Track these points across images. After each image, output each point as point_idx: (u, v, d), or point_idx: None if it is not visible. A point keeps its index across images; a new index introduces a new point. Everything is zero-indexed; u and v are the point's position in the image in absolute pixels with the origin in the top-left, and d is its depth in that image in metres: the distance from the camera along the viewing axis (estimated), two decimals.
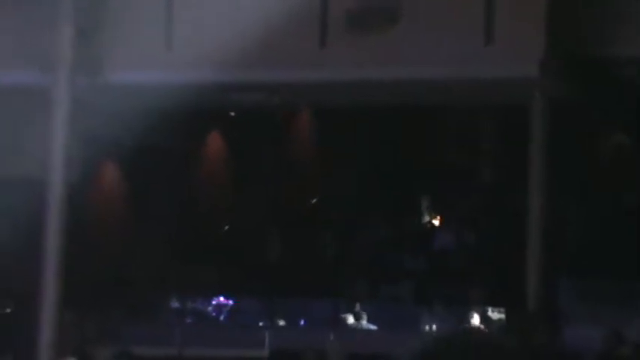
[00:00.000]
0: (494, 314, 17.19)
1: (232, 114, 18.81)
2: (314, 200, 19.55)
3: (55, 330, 15.62)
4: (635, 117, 17.13)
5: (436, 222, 19.41)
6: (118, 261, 18.50)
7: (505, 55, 15.32)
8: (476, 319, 16.73)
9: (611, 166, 18.09)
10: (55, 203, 15.91)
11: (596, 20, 15.65)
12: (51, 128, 16.05)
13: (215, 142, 19.48)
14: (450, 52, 15.39)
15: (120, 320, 16.92)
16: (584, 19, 15.67)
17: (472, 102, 17.27)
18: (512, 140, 17.41)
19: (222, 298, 18.19)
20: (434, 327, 16.94)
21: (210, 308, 18.21)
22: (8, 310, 17.05)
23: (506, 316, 16.91)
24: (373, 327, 17.03)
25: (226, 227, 19.51)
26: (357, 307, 17.41)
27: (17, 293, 16.45)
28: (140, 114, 16.24)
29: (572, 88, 15.87)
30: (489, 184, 19.27)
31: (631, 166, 17.92)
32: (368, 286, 18.42)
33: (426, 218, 19.49)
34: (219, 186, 19.35)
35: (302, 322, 17.74)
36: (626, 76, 15.91)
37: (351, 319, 17.15)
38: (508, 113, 17.31)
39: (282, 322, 17.55)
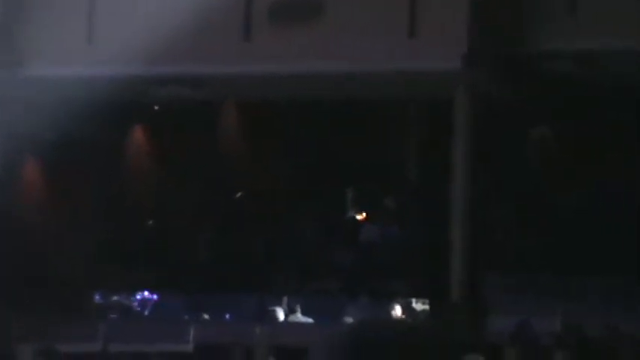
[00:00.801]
0: (419, 305, 17.30)
1: (156, 108, 18.69)
2: (240, 194, 19.49)
3: None
4: (558, 111, 17.32)
5: (362, 216, 19.46)
6: (43, 257, 18.29)
7: (429, 48, 15.41)
8: (398, 311, 16.81)
9: (536, 159, 18.27)
10: None
11: (519, 14, 15.81)
12: None
13: (139, 136, 19.33)
14: (374, 44, 15.45)
15: (44, 317, 16.74)
16: (507, 13, 15.81)
17: (397, 95, 17.34)
18: (437, 134, 17.51)
19: (146, 293, 18.06)
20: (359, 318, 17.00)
21: (134, 303, 18.07)
22: None
23: (430, 307, 17.03)
24: (309, 320, 17.05)
25: (150, 222, 19.38)
26: (285, 300, 17.40)
27: None
28: (62, 108, 16.10)
29: (495, 82, 16.01)
30: (415, 177, 19.37)
31: (555, 159, 18.11)
32: (295, 279, 18.42)
33: (353, 212, 19.54)
34: (144, 180, 19.20)
35: (227, 317, 17.69)
36: (549, 70, 16.10)
37: (280, 313, 17.14)
38: (433, 107, 17.40)
39: (207, 317, 17.47)
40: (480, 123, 16.22)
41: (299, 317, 17.01)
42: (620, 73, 16.07)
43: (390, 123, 18.74)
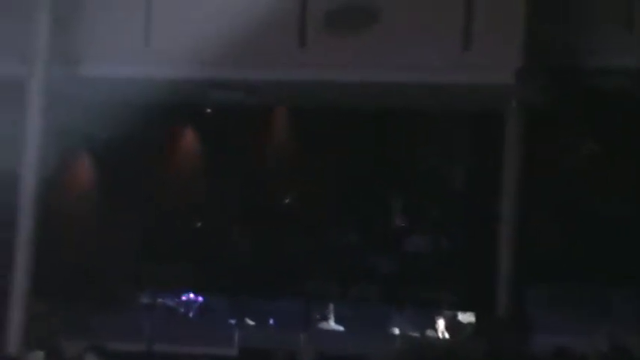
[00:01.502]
0: (464, 318, 17.25)
1: (209, 111, 18.77)
2: (287, 200, 19.54)
3: (25, 322, 15.56)
4: (609, 126, 17.25)
5: (409, 225, 19.45)
6: (89, 254, 18.42)
7: (482, 61, 15.39)
8: (441, 324, 16.79)
9: (584, 174, 18.21)
10: (28, 195, 15.84)
11: (572, 30, 15.75)
12: (26, 120, 15.97)
13: (190, 138, 19.43)
14: (429, 55, 15.44)
15: (89, 314, 16.86)
16: (561, 28, 15.76)
17: (448, 107, 17.33)
18: (486, 147, 17.49)
19: (191, 295, 18.14)
20: (403, 329, 16.97)
21: (179, 304, 18.15)
22: None
23: (476, 320, 16.97)
24: (340, 328, 17.05)
25: (198, 224, 19.47)
26: (329, 307, 17.42)
27: None
28: (116, 107, 16.20)
29: (547, 97, 15.96)
30: (463, 189, 19.34)
31: (603, 175, 18.04)
32: (339, 287, 18.43)
33: (399, 221, 19.53)
34: (192, 182, 19.30)
35: (271, 321, 17.73)
36: (601, 86, 16.03)
37: (320, 320, 17.17)
38: (483, 120, 17.38)
39: (251, 322, 17.52)
40: (529, 137, 16.18)
41: (332, 325, 17.02)
42: None
43: (440, 134, 18.73)
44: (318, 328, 16.74)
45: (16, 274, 15.67)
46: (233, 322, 17.20)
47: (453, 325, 16.81)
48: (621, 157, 17.61)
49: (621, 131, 17.16)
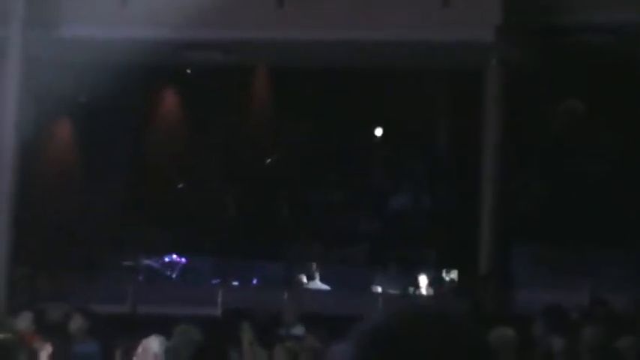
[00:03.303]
0: (447, 276, 17.29)
1: (188, 71, 18.68)
2: (269, 160, 19.49)
3: (8, 285, 15.53)
4: (590, 83, 17.21)
5: (391, 185, 19.45)
6: (72, 218, 18.37)
7: (461, 18, 15.31)
8: (423, 281, 16.82)
9: (566, 132, 18.19)
10: (7, 159, 15.75)
11: None
12: (3, 83, 15.85)
13: (170, 99, 19.34)
14: (407, 13, 15.37)
15: (72, 277, 16.83)
16: None
17: (428, 65, 17.27)
18: (467, 105, 17.46)
19: (174, 256, 18.12)
20: (386, 288, 17.00)
21: (162, 266, 18.13)
22: None
23: (458, 278, 17.02)
24: (326, 287, 17.08)
25: (180, 185, 19.42)
26: (313, 267, 17.43)
27: None
28: (94, 69, 16.09)
29: (527, 54, 15.91)
30: (445, 147, 19.32)
31: (585, 132, 18.02)
32: (322, 247, 18.44)
33: (381, 180, 19.52)
34: (173, 144, 19.23)
35: (254, 282, 17.74)
36: (583, 42, 15.98)
37: (305, 280, 17.17)
38: (465, 77, 17.33)
39: (235, 282, 17.54)
40: (510, 94, 16.15)
41: (318, 284, 17.03)
42: None
43: (421, 92, 18.68)
44: (301, 288, 16.74)
45: None
46: (216, 282, 17.21)
47: (434, 283, 16.87)
48: (603, 115, 17.60)
49: (602, 89, 17.13)
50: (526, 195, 17.70)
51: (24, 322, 11.96)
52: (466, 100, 17.64)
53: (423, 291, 16.86)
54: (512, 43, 15.65)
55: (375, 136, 19.36)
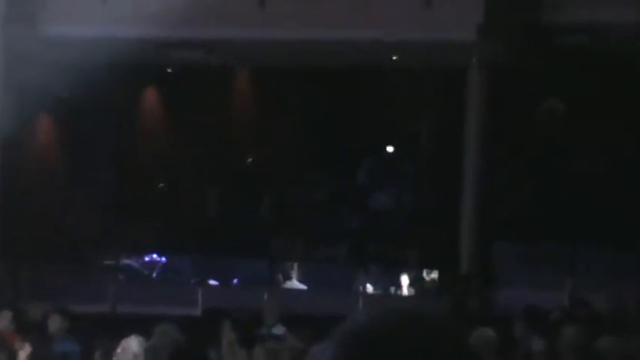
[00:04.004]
0: (428, 275, 17.30)
1: (169, 70, 18.65)
2: (250, 159, 19.47)
3: None
4: (571, 82, 17.25)
5: (374, 183, 19.46)
6: (53, 215, 18.31)
7: (443, 18, 15.32)
8: (405, 281, 16.83)
9: (547, 130, 18.22)
10: None
11: None
12: None
13: (151, 97, 19.31)
14: (389, 13, 15.37)
15: (53, 275, 16.77)
16: None
17: (411, 64, 17.28)
18: (451, 103, 17.47)
19: (154, 256, 18.07)
20: (367, 288, 17.01)
21: (142, 266, 18.09)
22: None
23: (440, 277, 17.03)
24: (303, 286, 17.07)
25: (161, 184, 19.38)
26: (293, 267, 17.42)
27: None
28: (76, 67, 16.04)
29: (509, 53, 15.93)
30: (427, 146, 19.33)
31: (566, 130, 18.06)
32: (303, 246, 18.43)
33: (364, 179, 19.51)
34: (155, 142, 19.20)
35: (235, 281, 17.71)
36: (563, 42, 16.02)
37: (284, 279, 17.16)
38: (447, 76, 17.35)
39: (214, 281, 17.51)
40: (492, 93, 16.17)
41: (295, 284, 17.02)
42: (633, 46, 15.99)
43: (404, 92, 18.68)
44: (281, 288, 16.72)
45: None
46: (196, 282, 17.17)
47: (415, 283, 16.88)
48: (585, 114, 17.63)
49: (584, 87, 17.17)
50: (508, 194, 17.72)
51: (3, 321, 11.88)
52: (448, 99, 17.66)
53: (405, 291, 16.87)
54: (494, 43, 15.67)
55: (358, 136, 19.34)
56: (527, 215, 17.35)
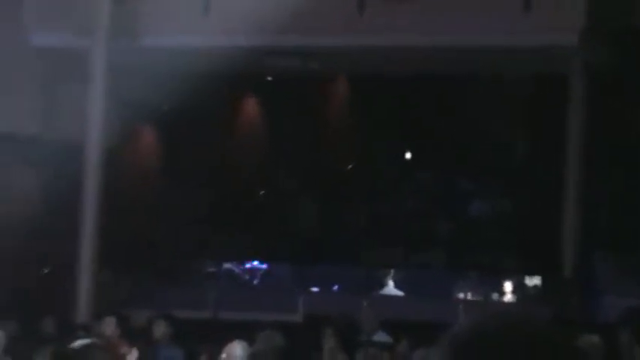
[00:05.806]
0: (530, 282, 17.14)
1: (269, 79, 18.78)
2: (349, 167, 19.52)
3: (92, 290, 15.74)
4: None
5: (472, 190, 19.35)
6: (154, 223, 18.57)
7: (544, 23, 15.19)
8: (508, 287, 16.71)
9: None
10: (92, 165, 15.99)
11: None
12: (88, 91, 16.10)
13: (251, 106, 19.47)
14: (489, 18, 15.28)
15: (154, 282, 17.01)
16: None
17: (511, 71, 17.16)
18: (552, 109, 17.30)
19: (255, 262, 18.23)
20: (467, 295, 16.94)
21: (243, 272, 18.26)
22: (46, 271, 17.19)
23: (542, 284, 16.86)
24: (400, 293, 17.06)
25: (262, 192, 19.53)
26: (391, 273, 17.43)
27: (55, 254, 16.58)
28: (177, 78, 16.26)
29: (611, 58, 15.73)
30: (527, 153, 19.17)
31: None
32: (402, 252, 18.42)
33: (462, 186, 19.43)
34: (255, 151, 19.35)
35: (335, 288, 17.78)
36: None
37: (381, 286, 17.18)
38: (548, 82, 17.18)
39: (315, 288, 17.60)
40: (594, 98, 15.97)
41: (392, 290, 17.02)
42: None
43: (504, 98, 18.55)
44: (379, 294, 16.74)
45: (82, 245, 15.85)
46: (297, 288, 17.28)
47: (518, 289, 16.75)
48: None
49: None
50: (610, 201, 17.47)
51: (109, 326, 12.08)
52: (550, 104, 17.48)
53: (507, 297, 16.75)
54: (596, 47, 15.49)
55: (456, 144, 19.26)
56: (627, 225, 17.08)
